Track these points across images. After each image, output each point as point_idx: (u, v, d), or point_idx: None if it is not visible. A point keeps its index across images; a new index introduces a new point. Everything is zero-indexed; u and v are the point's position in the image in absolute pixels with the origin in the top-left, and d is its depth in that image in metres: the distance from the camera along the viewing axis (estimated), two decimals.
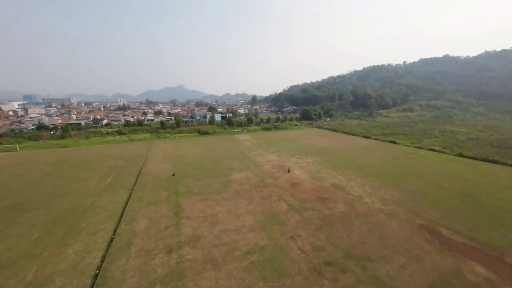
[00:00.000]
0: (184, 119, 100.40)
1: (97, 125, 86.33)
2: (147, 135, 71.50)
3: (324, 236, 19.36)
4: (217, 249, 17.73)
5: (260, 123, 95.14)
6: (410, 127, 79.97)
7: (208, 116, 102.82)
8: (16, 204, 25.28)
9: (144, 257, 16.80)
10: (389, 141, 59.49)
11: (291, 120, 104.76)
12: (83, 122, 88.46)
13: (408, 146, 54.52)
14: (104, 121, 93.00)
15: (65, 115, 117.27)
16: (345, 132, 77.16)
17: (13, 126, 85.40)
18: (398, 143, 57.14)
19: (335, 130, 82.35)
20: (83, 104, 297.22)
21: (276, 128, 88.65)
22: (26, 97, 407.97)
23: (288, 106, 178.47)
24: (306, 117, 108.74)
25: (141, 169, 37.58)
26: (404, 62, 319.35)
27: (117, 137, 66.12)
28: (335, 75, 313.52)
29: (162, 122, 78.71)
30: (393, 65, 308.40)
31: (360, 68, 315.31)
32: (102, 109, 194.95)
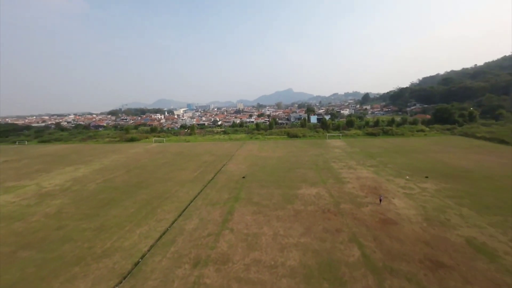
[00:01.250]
0: (279, 121, 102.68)
1: (214, 125, 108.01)
2: (243, 135, 79.41)
3: None
4: (238, 285, 14.24)
5: (364, 127, 77.68)
6: None
7: (302, 118, 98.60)
8: (140, 182, 35.14)
9: (174, 261, 16.66)
10: None
11: (413, 123, 77.15)
12: (206, 123, 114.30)
13: None
14: (219, 122, 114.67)
15: (199, 117, 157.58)
16: None
17: (172, 125, 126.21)
18: None
19: (503, 141, 50.36)
20: (215, 109, 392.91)
21: (386, 133, 68.40)
22: (188, 105, 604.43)
23: (414, 105, 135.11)
24: (442, 119, 75.74)
25: (222, 167, 41.08)
26: None
27: (222, 136, 78.54)
28: None
29: (257, 124, 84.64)
30: None
31: None
32: (225, 113, 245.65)
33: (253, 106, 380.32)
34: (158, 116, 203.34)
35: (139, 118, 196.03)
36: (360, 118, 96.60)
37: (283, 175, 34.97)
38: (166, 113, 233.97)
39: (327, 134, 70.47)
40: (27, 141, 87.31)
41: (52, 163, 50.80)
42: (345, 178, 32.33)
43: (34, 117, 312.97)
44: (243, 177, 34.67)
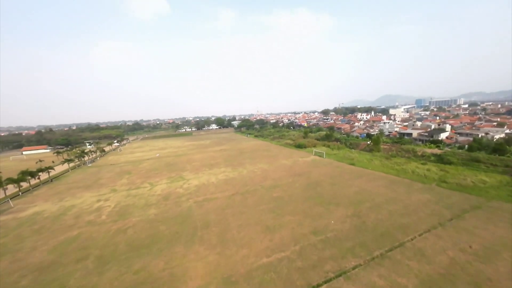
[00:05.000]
0: None
1: (427, 139, 63.33)
2: (495, 178, 32.83)
3: None
4: None
5: None
6: None
7: None
8: (205, 224, 25.42)
9: None
10: None
11: None
12: (415, 133, 71.46)
13: None
14: (445, 134, 65.08)
15: (415, 121, 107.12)
16: None
17: (364, 131, 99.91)
18: None
19: None
20: (465, 105, 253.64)
21: None
22: (417, 101, 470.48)
23: None
24: None
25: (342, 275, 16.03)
26: None
27: (425, 168, 40.26)
28: None
29: None
30: None
31: None
32: (483, 113, 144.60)
33: None
34: (364, 116, 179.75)
35: (342, 117, 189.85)
36: None
37: None
38: (372, 113, 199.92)
39: None
40: (249, 134, 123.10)
41: (225, 160, 61.32)
42: None
43: (283, 114, 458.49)
44: None
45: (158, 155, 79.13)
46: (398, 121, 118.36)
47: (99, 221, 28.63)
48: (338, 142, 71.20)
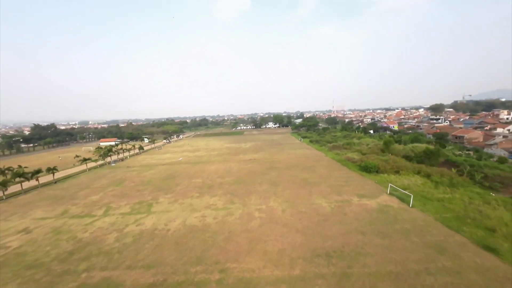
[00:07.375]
0: None
1: None
2: None
3: None
4: None
5: None
6: None
7: None
8: None
9: None
10: None
11: None
12: None
13: None
14: None
15: None
16: None
17: (486, 142, 56.92)
18: None
19: None
20: None
21: None
22: None
23: None
24: None
25: None
26: None
27: None
28: None
29: None
30: None
31: None
32: None
33: None
34: None
35: (466, 117, 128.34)
36: None
37: None
38: None
39: None
40: (304, 138, 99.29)
41: (237, 180, 44.28)
42: None
43: (370, 110, 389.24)
44: None
45: (181, 159, 72.46)
46: None
47: None
48: (455, 169, 38.55)
